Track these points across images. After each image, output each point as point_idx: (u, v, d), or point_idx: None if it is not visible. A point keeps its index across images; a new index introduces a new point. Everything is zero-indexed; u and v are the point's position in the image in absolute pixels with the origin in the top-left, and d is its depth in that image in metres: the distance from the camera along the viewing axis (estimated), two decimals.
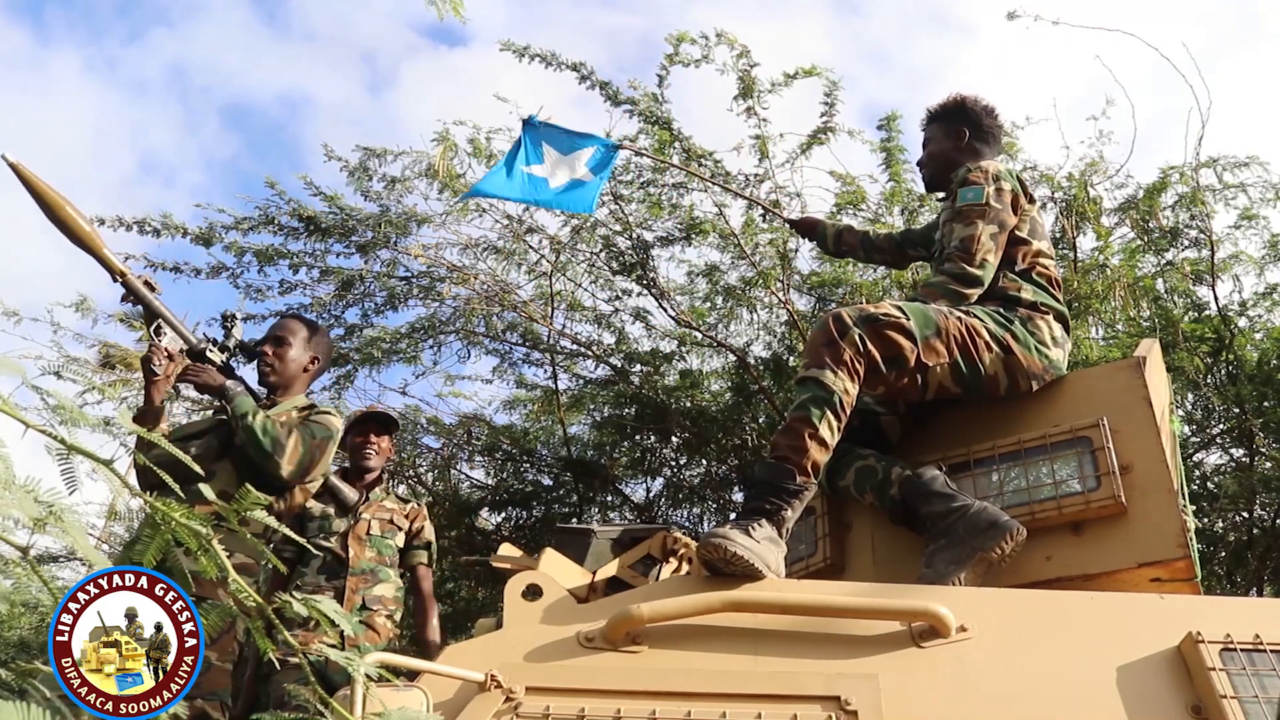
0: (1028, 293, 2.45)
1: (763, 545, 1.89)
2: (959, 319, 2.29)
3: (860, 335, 2.14)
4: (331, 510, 3.47)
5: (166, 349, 2.58)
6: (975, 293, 2.40)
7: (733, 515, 2.77)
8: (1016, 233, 2.52)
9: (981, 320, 2.33)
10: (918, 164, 2.96)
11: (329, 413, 2.73)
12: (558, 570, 2.01)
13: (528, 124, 3.93)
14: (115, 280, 2.57)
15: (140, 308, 2.64)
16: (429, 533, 3.59)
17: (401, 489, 6.66)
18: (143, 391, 2.64)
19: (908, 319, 2.21)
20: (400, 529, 3.50)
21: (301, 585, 3.30)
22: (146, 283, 2.63)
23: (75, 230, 2.43)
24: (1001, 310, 2.39)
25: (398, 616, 3.42)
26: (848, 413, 2.10)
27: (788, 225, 3.76)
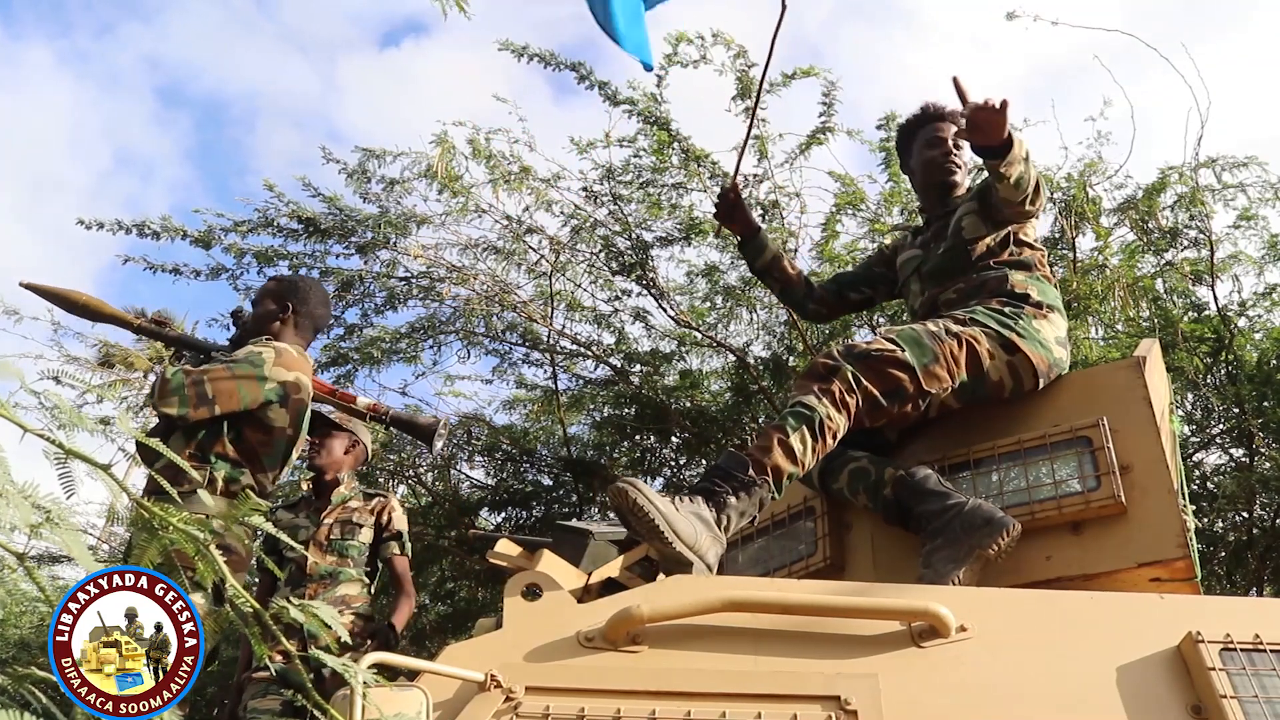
0: (1034, 291, 2.45)
1: (682, 516, 1.83)
2: (955, 336, 2.26)
3: (853, 373, 2.11)
4: (298, 519, 3.49)
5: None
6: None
7: None
8: (1024, 235, 2.54)
9: (982, 326, 2.31)
10: None
11: (257, 347, 2.74)
12: (554, 570, 2.01)
13: None
14: (135, 331, 2.96)
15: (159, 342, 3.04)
16: (398, 521, 3.54)
17: (402, 489, 6.67)
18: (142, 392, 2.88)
19: (902, 350, 2.18)
20: (363, 525, 3.48)
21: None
22: (156, 321, 2.97)
23: (95, 309, 2.87)
24: (1007, 309, 2.38)
25: (367, 612, 3.43)
26: (828, 439, 2.05)
27: (714, 216, 3.04)
